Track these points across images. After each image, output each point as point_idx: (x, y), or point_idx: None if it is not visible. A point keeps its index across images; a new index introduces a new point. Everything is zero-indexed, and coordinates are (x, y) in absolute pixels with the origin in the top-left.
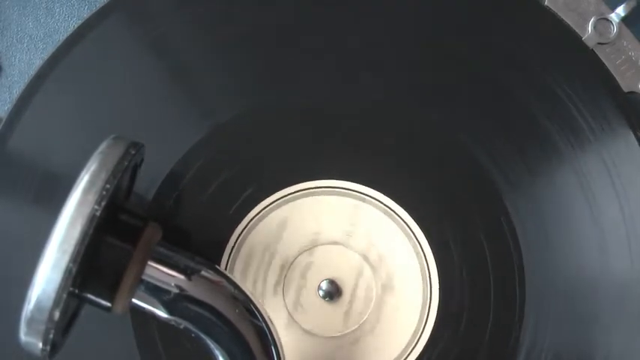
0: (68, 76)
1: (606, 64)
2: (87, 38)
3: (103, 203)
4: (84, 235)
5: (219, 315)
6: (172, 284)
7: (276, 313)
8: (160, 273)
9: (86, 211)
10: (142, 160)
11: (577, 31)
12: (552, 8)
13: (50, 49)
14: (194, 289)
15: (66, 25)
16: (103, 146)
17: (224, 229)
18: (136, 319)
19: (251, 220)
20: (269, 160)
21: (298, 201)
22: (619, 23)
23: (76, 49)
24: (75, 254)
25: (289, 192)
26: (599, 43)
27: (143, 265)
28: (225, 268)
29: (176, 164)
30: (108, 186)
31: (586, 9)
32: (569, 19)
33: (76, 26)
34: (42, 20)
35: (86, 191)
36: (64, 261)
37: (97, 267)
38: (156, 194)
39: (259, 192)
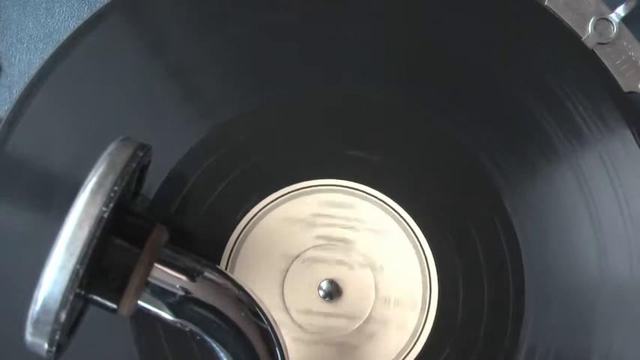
0: (68, 76)
1: (606, 64)
2: (87, 38)
3: (111, 205)
4: (91, 236)
5: (225, 317)
6: (178, 286)
7: (275, 312)
8: (166, 275)
9: (94, 212)
10: (150, 161)
11: (577, 31)
12: (552, 8)
13: (50, 49)
14: (200, 292)
15: (66, 25)
16: (111, 147)
17: (224, 229)
18: (136, 320)
19: (251, 219)
20: (269, 159)
21: (299, 199)
22: (619, 23)
23: (76, 49)
24: (82, 256)
25: (289, 191)
26: (599, 43)
27: (150, 267)
28: (226, 268)
29: (176, 164)
30: (116, 188)
31: (586, 9)
32: (569, 19)
33: (76, 26)
34: (42, 20)
35: (94, 193)
36: (71, 262)
37: (103, 268)
38: (156, 194)
39: (259, 191)
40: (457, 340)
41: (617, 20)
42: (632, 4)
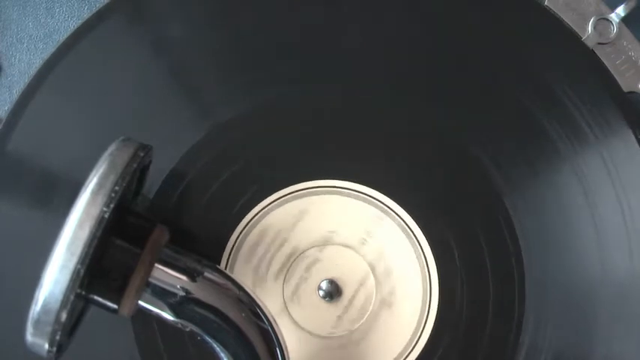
0: (68, 76)
1: (606, 64)
2: (87, 38)
3: (112, 205)
4: (92, 237)
5: (225, 318)
6: (179, 287)
7: (276, 313)
8: (166, 275)
9: (95, 213)
10: (150, 161)
11: (577, 31)
12: (552, 8)
13: (50, 49)
14: (200, 292)
15: (66, 25)
16: (112, 148)
17: (224, 229)
18: (136, 320)
19: (251, 219)
20: (269, 159)
21: (299, 201)
22: (619, 23)
23: (76, 49)
24: (83, 256)
25: (290, 192)
26: (599, 43)
27: (150, 267)
28: (225, 268)
29: (176, 164)
30: (117, 188)
31: (586, 9)
32: (569, 19)
33: (76, 26)
34: (42, 20)
35: (95, 193)
36: (72, 262)
37: (104, 269)
38: (156, 194)
39: (259, 192)
40: (456, 341)
41: (617, 20)
42: (632, 4)
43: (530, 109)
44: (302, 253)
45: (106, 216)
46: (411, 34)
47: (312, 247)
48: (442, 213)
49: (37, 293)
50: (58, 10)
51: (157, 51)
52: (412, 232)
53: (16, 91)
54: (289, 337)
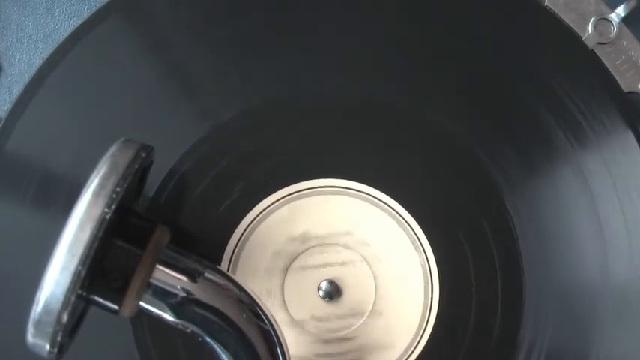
0: (68, 76)
1: (606, 64)
2: (87, 38)
3: (113, 206)
4: (93, 238)
5: (226, 318)
6: (179, 287)
7: (275, 310)
8: (167, 276)
9: (96, 214)
10: (152, 162)
11: (577, 31)
12: (552, 8)
13: (50, 49)
14: (201, 293)
15: (66, 25)
16: (113, 149)
17: (224, 229)
18: (136, 321)
19: (252, 220)
20: (269, 159)
21: (299, 201)
22: (619, 23)
23: (76, 49)
24: (84, 257)
25: (290, 192)
26: (599, 43)
27: (151, 268)
28: (227, 269)
29: (176, 164)
30: (118, 189)
31: (586, 9)
32: (569, 19)
33: (76, 26)
34: (42, 20)
35: (96, 194)
36: (73, 264)
37: (105, 269)
38: (156, 194)
39: (260, 191)
40: (456, 341)
41: (617, 20)
42: (632, 4)
43: (530, 109)
44: (303, 252)
45: (108, 217)
46: (411, 34)
47: (313, 246)
48: (442, 213)
49: (38, 294)
50: (58, 10)
51: (157, 51)
52: (413, 231)
53: (16, 91)
54: (288, 337)
